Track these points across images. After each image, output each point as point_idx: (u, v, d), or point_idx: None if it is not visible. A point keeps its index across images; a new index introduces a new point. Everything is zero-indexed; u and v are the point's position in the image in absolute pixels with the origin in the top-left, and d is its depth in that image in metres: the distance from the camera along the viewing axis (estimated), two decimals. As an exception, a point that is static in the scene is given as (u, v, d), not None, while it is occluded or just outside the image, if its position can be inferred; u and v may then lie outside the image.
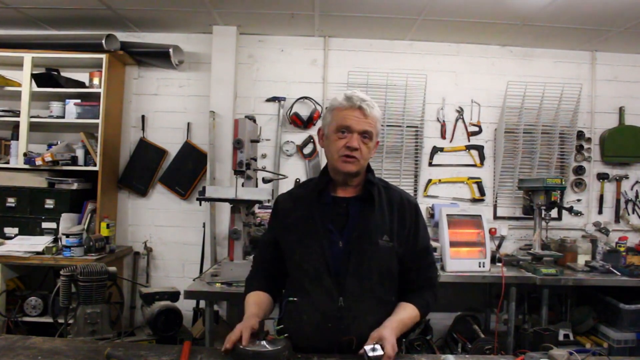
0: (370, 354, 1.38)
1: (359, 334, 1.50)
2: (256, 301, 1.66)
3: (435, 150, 3.94)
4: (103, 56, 3.52)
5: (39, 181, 3.53)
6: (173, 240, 3.94)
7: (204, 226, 3.80)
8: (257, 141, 2.96)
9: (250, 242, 2.83)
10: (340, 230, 1.61)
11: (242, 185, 2.86)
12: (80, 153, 3.61)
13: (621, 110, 3.97)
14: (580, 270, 3.35)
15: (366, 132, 1.57)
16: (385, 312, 1.60)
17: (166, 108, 3.95)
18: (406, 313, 1.61)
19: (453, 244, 3.23)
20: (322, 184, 1.67)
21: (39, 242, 3.32)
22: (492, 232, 3.70)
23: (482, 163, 3.97)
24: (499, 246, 3.76)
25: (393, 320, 1.55)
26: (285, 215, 1.71)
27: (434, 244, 3.19)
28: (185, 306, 3.14)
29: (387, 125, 3.86)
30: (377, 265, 1.60)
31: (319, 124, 3.83)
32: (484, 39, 3.87)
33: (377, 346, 1.40)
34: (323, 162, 3.82)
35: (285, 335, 1.48)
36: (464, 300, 3.80)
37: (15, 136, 3.56)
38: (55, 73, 3.66)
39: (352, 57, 3.95)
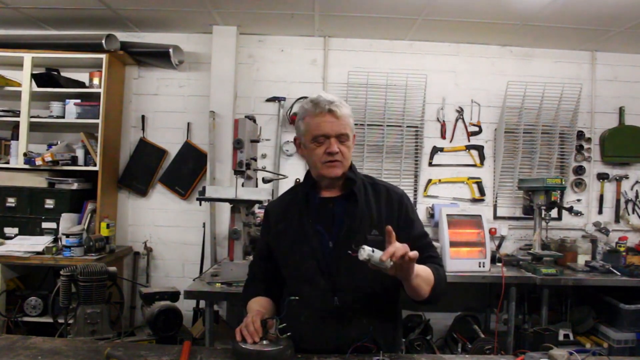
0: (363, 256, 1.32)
1: (357, 332, 1.51)
2: (258, 303, 1.68)
3: (435, 150, 3.94)
4: (103, 56, 3.51)
5: (39, 181, 3.53)
6: (173, 240, 3.94)
7: (204, 226, 3.80)
8: (257, 141, 2.96)
9: (250, 242, 2.83)
10: (330, 231, 1.60)
11: (242, 185, 2.86)
12: (80, 153, 3.61)
13: (621, 110, 3.97)
14: (580, 270, 3.36)
15: (342, 134, 1.57)
16: (383, 308, 1.60)
17: (166, 108, 3.95)
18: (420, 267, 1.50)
19: (453, 244, 3.24)
20: (307, 187, 1.67)
21: (39, 242, 3.32)
22: (492, 232, 3.69)
23: (482, 163, 3.97)
24: (499, 246, 3.75)
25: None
26: (275, 222, 1.72)
27: (434, 244, 3.19)
28: (185, 306, 3.15)
29: (387, 126, 3.86)
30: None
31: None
32: (484, 39, 3.87)
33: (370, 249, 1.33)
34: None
35: (288, 334, 1.48)
36: (464, 300, 3.80)
37: (15, 136, 3.56)
38: (55, 73, 3.66)
39: (352, 57, 3.95)
